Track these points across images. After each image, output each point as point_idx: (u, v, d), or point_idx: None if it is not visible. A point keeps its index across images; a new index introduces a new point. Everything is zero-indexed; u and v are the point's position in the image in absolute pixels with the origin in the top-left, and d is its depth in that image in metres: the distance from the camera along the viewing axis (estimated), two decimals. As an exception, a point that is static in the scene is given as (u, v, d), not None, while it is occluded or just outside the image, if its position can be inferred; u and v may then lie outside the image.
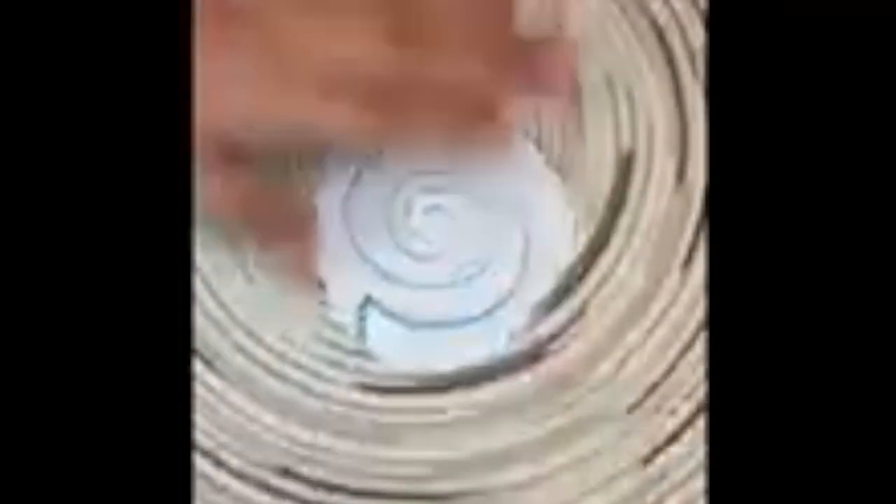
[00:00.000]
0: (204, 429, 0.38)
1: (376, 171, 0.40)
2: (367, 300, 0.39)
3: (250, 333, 0.39)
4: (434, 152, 0.38)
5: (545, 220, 0.39)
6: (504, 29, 0.36)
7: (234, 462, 0.38)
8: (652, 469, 0.38)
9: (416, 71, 0.33)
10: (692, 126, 0.41)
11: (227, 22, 0.33)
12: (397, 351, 0.39)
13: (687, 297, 0.39)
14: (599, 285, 0.39)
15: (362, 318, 0.39)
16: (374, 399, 0.38)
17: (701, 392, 0.38)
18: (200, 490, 0.38)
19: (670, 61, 0.41)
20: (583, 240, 0.40)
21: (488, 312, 0.39)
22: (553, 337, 0.39)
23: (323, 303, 0.39)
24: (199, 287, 0.39)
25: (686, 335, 0.39)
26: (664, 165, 0.40)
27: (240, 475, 0.38)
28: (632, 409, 0.38)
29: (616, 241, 0.40)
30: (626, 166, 0.40)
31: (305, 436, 0.38)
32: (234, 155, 0.35)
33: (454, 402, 0.38)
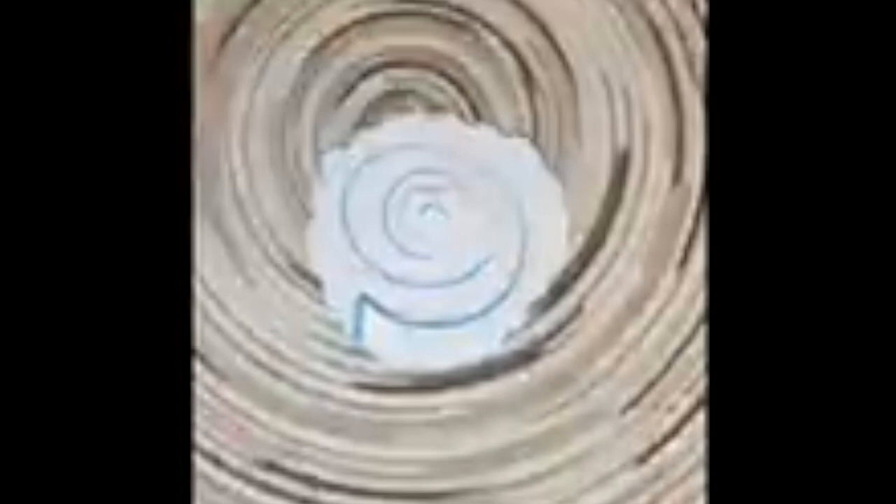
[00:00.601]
0: (204, 429, 0.38)
1: (374, 169, 0.40)
2: (364, 299, 0.39)
3: (250, 334, 0.39)
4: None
5: (541, 219, 0.40)
6: None
7: (234, 462, 0.38)
8: (650, 466, 0.38)
9: None
10: (689, 126, 0.41)
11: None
12: (393, 349, 0.39)
13: (683, 296, 0.39)
14: (595, 284, 0.39)
15: (358, 317, 0.39)
16: (370, 397, 0.38)
17: (699, 389, 0.38)
18: (200, 490, 0.38)
19: (667, 61, 0.41)
20: (579, 239, 0.40)
21: (485, 311, 0.39)
22: (549, 335, 0.39)
23: (320, 301, 0.39)
24: (198, 288, 0.39)
25: (683, 333, 0.39)
26: (660, 165, 0.40)
27: (239, 475, 0.38)
28: (629, 406, 0.38)
29: (612, 240, 0.40)
30: (622, 166, 0.40)
31: (304, 435, 0.38)
32: None
33: (450, 401, 0.38)
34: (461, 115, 0.40)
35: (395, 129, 0.40)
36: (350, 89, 0.41)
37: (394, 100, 0.40)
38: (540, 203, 0.40)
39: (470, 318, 0.39)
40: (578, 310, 0.39)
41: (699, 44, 0.41)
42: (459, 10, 0.41)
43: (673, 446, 0.38)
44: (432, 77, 0.41)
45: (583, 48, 0.41)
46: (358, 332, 0.39)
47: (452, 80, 0.41)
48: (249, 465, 0.38)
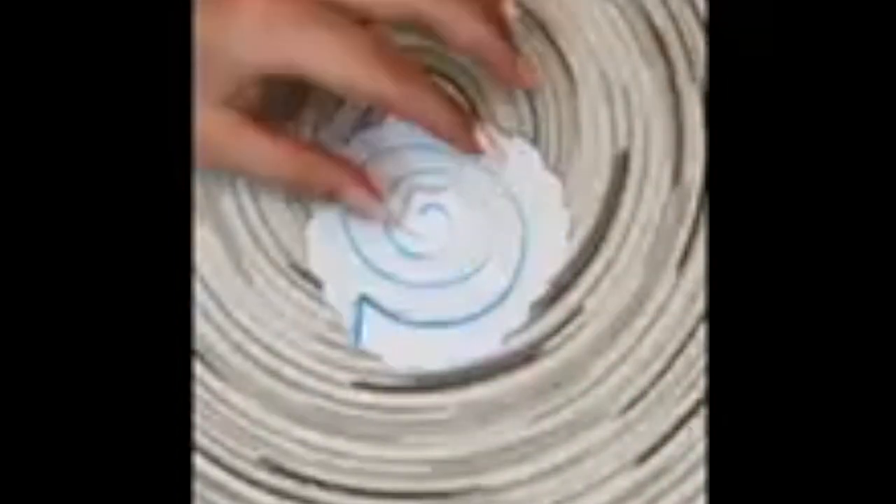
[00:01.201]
0: (203, 429, 0.38)
1: (373, 168, 0.40)
2: (364, 299, 0.39)
3: (249, 334, 0.39)
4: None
5: (541, 219, 0.40)
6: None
7: (234, 462, 0.38)
8: (651, 465, 0.38)
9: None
10: (688, 126, 0.41)
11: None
12: (394, 350, 0.39)
13: (683, 296, 0.39)
14: (596, 284, 0.39)
15: (358, 317, 0.39)
16: (370, 397, 0.38)
17: (699, 389, 0.38)
18: (200, 490, 0.38)
19: (667, 62, 0.41)
20: (579, 239, 0.40)
21: (485, 311, 0.39)
22: (550, 335, 0.39)
23: (320, 302, 0.39)
24: (198, 288, 0.39)
25: (683, 333, 0.39)
26: (660, 165, 0.40)
27: (239, 475, 0.38)
28: (629, 406, 0.38)
29: (612, 240, 0.40)
30: (622, 166, 0.40)
31: (304, 435, 0.38)
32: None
33: (450, 401, 0.38)
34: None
35: (395, 129, 0.40)
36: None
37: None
38: (540, 203, 0.40)
39: (470, 318, 0.39)
40: (578, 310, 0.39)
41: (699, 44, 0.41)
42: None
43: (673, 446, 0.38)
44: (432, 77, 0.41)
45: (583, 48, 0.41)
46: (358, 332, 0.39)
47: (452, 80, 0.41)
48: (249, 465, 0.38)
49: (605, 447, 0.38)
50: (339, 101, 0.41)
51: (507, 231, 0.39)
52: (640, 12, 0.42)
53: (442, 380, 0.39)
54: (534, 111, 0.41)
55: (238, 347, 0.39)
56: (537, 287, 0.39)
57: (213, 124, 0.34)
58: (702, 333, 0.39)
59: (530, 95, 0.41)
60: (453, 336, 0.39)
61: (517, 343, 0.39)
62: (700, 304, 0.39)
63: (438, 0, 0.34)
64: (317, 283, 0.39)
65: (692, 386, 0.39)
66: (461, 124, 0.35)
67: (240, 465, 0.38)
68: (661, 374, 0.39)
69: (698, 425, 0.38)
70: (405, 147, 0.40)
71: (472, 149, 0.36)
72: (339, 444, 0.38)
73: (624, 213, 0.40)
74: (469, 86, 0.41)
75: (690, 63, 0.41)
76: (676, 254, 0.40)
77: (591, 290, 0.39)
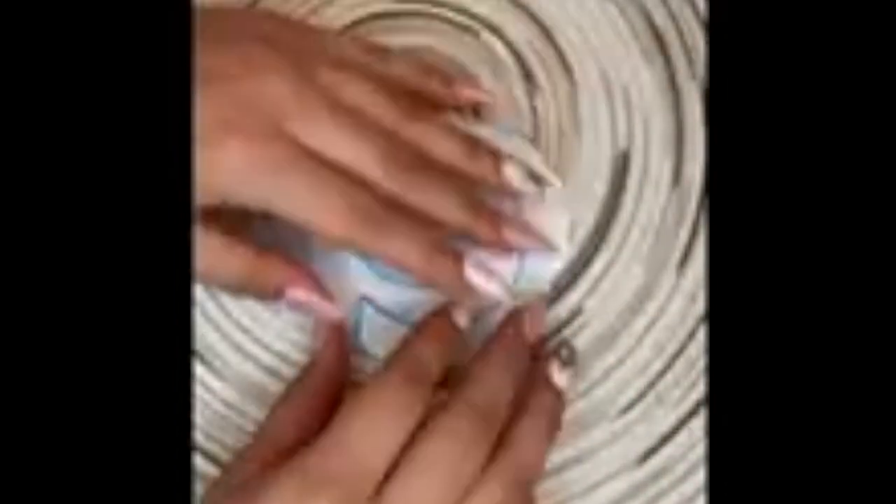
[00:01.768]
0: (204, 429, 0.38)
1: None
2: (363, 298, 0.39)
3: (249, 334, 0.39)
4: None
5: (541, 219, 0.40)
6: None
7: (234, 461, 0.38)
8: (651, 466, 0.38)
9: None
10: (688, 126, 0.41)
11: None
12: (392, 349, 0.39)
13: (683, 296, 0.39)
14: (596, 284, 0.39)
15: (359, 317, 0.39)
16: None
17: (699, 389, 0.38)
18: (200, 490, 0.38)
19: (667, 61, 0.41)
20: (579, 239, 0.40)
21: (483, 311, 0.39)
22: (550, 335, 0.39)
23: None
24: (198, 288, 0.39)
25: (683, 333, 0.39)
26: (660, 165, 0.40)
27: (239, 474, 0.38)
28: (629, 406, 0.38)
29: (612, 240, 0.40)
30: (622, 165, 0.40)
31: (304, 435, 0.38)
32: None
33: (451, 402, 0.38)
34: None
35: None
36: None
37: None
38: (539, 202, 0.40)
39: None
40: (578, 310, 0.39)
41: (699, 43, 0.41)
42: (460, 10, 0.42)
43: (673, 447, 0.38)
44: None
45: (583, 48, 0.41)
46: (357, 332, 0.39)
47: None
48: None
49: (604, 447, 0.38)
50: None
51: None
52: (640, 11, 0.42)
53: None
54: (534, 111, 0.41)
55: (238, 347, 0.39)
56: (536, 287, 0.39)
57: None
58: (702, 334, 0.39)
59: (530, 95, 0.41)
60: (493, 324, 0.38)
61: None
62: (700, 305, 0.39)
63: (371, 233, 0.34)
64: (317, 284, 0.39)
65: (692, 386, 0.39)
66: (437, 265, 0.35)
67: (240, 465, 0.38)
68: (661, 374, 0.39)
69: (698, 425, 0.38)
70: None
71: (458, 288, 0.36)
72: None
73: (624, 214, 0.40)
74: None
75: (690, 62, 0.41)
76: (676, 254, 0.40)
77: (591, 290, 0.39)
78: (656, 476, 0.38)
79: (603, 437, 0.38)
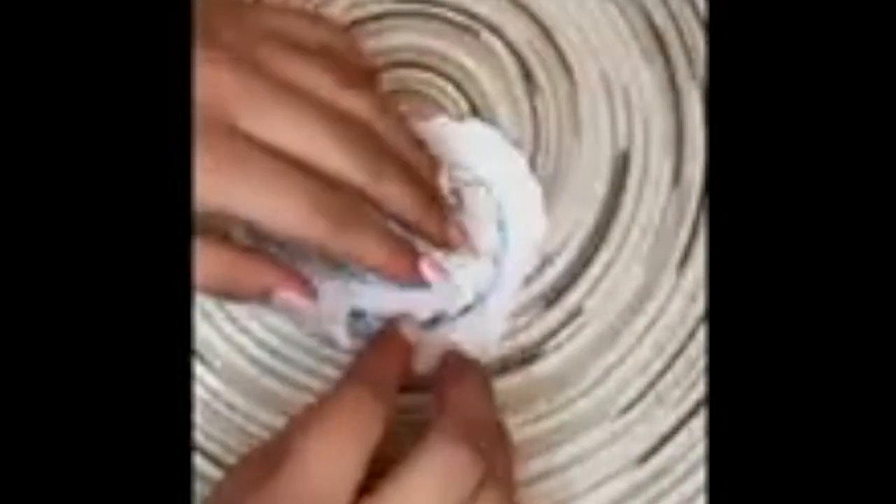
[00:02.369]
0: (204, 430, 0.38)
1: None
2: (356, 314, 0.39)
3: (249, 334, 0.39)
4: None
5: (519, 219, 0.39)
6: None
7: (234, 462, 0.38)
8: (650, 466, 0.38)
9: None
10: (688, 126, 0.41)
11: None
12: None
13: (683, 296, 0.39)
14: (595, 284, 0.39)
15: (355, 318, 0.39)
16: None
17: (699, 389, 0.39)
18: (200, 490, 0.38)
19: (667, 61, 0.41)
20: (579, 239, 0.40)
21: (474, 306, 0.39)
22: (550, 335, 0.39)
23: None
24: (198, 288, 0.39)
25: (683, 333, 0.39)
26: (660, 165, 0.40)
27: (239, 474, 0.38)
28: (629, 406, 0.38)
29: (612, 240, 0.40)
30: (622, 165, 0.40)
31: (304, 435, 0.38)
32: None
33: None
34: (460, 115, 0.40)
35: None
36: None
37: (394, 99, 0.40)
38: (522, 206, 0.40)
39: (462, 315, 0.39)
40: (578, 310, 0.39)
41: (699, 44, 0.41)
42: (460, 10, 0.42)
43: (673, 446, 0.38)
44: (432, 77, 0.41)
45: (583, 48, 0.41)
46: (356, 333, 0.39)
47: (452, 80, 0.41)
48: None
49: (605, 447, 0.38)
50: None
51: (488, 231, 0.39)
52: (640, 11, 0.42)
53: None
54: (534, 111, 0.41)
55: (238, 348, 0.39)
56: (513, 287, 0.39)
57: None
58: (702, 334, 0.39)
59: (530, 95, 0.41)
60: (447, 335, 0.39)
61: (517, 343, 0.39)
62: (700, 305, 0.39)
63: (337, 233, 0.33)
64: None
65: (692, 386, 0.39)
66: (403, 263, 0.35)
67: (240, 465, 0.38)
68: (661, 374, 0.39)
69: (698, 425, 0.38)
70: None
71: (418, 280, 0.36)
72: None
73: (624, 214, 0.40)
74: (469, 86, 0.41)
75: (690, 62, 0.41)
76: (676, 254, 0.40)
77: (591, 290, 0.39)
78: (656, 476, 0.38)
79: (603, 437, 0.38)
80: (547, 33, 0.41)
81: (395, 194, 0.34)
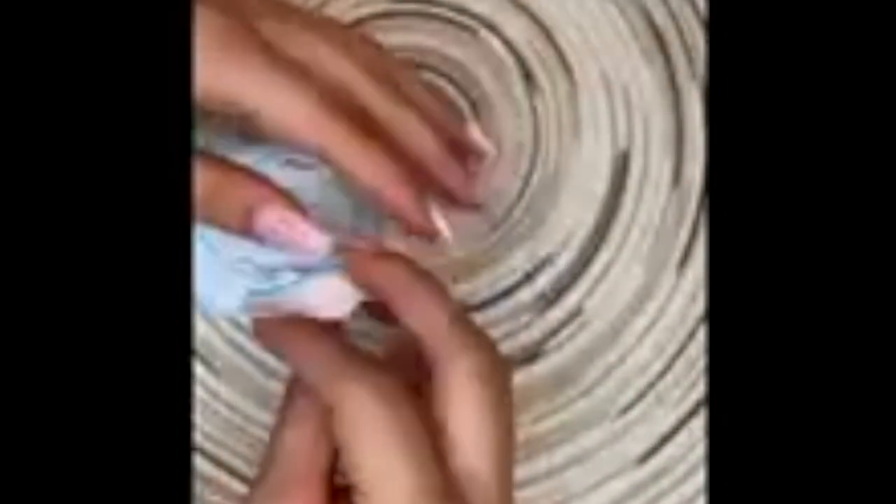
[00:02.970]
0: (204, 430, 0.38)
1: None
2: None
3: (250, 334, 0.39)
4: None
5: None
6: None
7: (234, 463, 0.38)
8: (650, 466, 0.38)
9: None
10: (689, 126, 0.41)
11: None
12: None
13: (683, 296, 0.39)
14: (595, 284, 0.39)
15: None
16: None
17: (699, 389, 0.39)
18: (200, 490, 0.38)
19: (667, 61, 0.41)
20: (579, 239, 0.40)
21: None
22: (550, 335, 0.39)
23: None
24: (198, 288, 0.39)
25: (683, 333, 0.39)
26: (660, 164, 0.40)
27: (239, 476, 0.38)
28: (629, 406, 0.39)
29: (612, 240, 0.40)
30: (622, 165, 0.40)
31: (304, 435, 0.38)
32: None
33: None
34: (460, 115, 0.40)
35: None
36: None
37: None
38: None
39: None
40: (578, 310, 0.39)
41: (699, 43, 0.41)
42: (459, 10, 0.42)
43: (673, 446, 0.38)
44: (432, 77, 0.41)
45: (583, 48, 0.41)
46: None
47: (452, 80, 0.41)
48: (249, 465, 0.38)
49: (604, 447, 0.38)
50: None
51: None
52: (640, 11, 0.42)
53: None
54: (534, 111, 0.41)
55: (238, 347, 0.39)
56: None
57: None
58: (702, 334, 0.39)
59: (530, 95, 0.41)
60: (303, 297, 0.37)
61: (517, 342, 0.39)
62: (700, 305, 0.39)
63: (346, 138, 0.31)
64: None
65: (692, 386, 0.39)
66: (408, 192, 0.32)
67: (240, 465, 0.38)
68: (661, 374, 0.39)
69: (698, 426, 0.38)
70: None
71: (420, 222, 0.32)
72: (339, 444, 0.38)
73: (624, 214, 0.40)
74: (469, 86, 0.41)
75: (690, 62, 0.41)
76: (676, 254, 0.40)
77: (591, 290, 0.39)
78: (656, 476, 0.38)
79: (603, 437, 0.38)
80: (547, 33, 0.41)
81: (417, 131, 0.33)
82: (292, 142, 0.31)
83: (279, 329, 0.32)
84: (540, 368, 0.39)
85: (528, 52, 0.41)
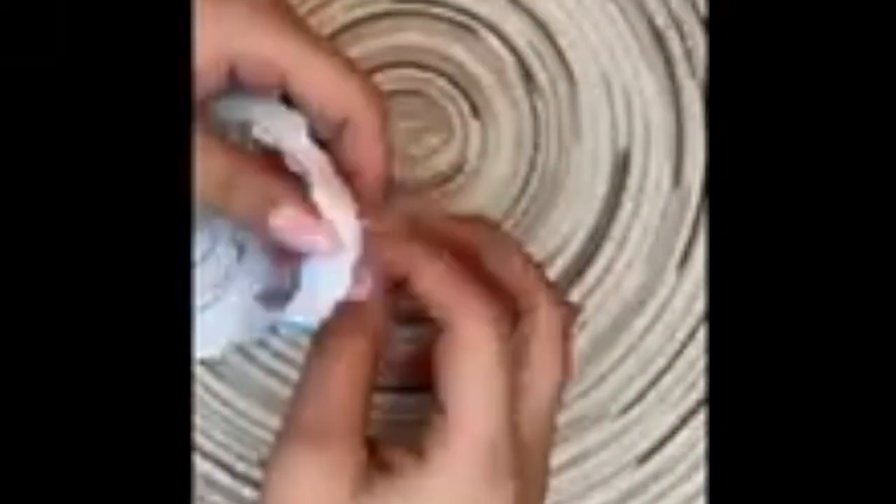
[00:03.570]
0: (204, 430, 0.38)
1: None
2: None
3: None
4: None
5: None
6: None
7: (234, 463, 0.38)
8: (651, 465, 0.38)
9: None
10: (689, 126, 0.41)
11: None
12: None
13: (683, 296, 0.39)
14: (596, 284, 0.39)
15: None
16: (374, 397, 0.38)
17: (699, 389, 0.39)
18: (200, 490, 0.38)
19: (668, 62, 0.41)
20: (579, 239, 0.40)
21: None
22: (550, 336, 0.39)
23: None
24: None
25: (683, 333, 0.39)
26: (660, 165, 0.40)
27: (239, 476, 0.38)
28: (630, 406, 0.39)
29: (612, 239, 0.40)
30: (622, 166, 0.40)
31: (305, 435, 0.38)
32: None
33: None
34: (461, 115, 0.40)
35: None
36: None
37: (394, 99, 0.40)
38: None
39: None
40: (578, 310, 0.39)
41: (699, 44, 0.41)
42: (459, 10, 0.42)
43: (673, 446, 0.38)
44: (432, 77, 0.41)
45: (583, 48, 0.41)
46: None
47: (452, 80, 0.41)
48: (249, 465, 0.38)
49: (605, 447, 0.38)
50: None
51: None
52: (640, 12, 0.42)
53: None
54: (534, 111, 0.41)
55: (238, 348, 0.39)
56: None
57: None
58: (702, 334, 0.39)
59: (530, 95, 0.41)
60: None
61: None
62: (700, 305, 0.39)
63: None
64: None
65: (692, 386, 0.39)
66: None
67: (240, 465, 0.38)
68: (661, 374, 0.39)
69: (698, 425, 0.38)
70: None
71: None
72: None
73: (624, 214, 0.40)
74: (469, 86, 0.41)
75: (691, 62, 0.41)
76: (676, 254, 0.40)
77: (592, 290, 0.39)
78: (656, 476, 0.38)
79: (603, 437, 0.38)
80: (547, 33, 0.41)
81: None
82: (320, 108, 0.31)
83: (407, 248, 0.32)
84: (540, 368, 0.39)
85: (528, 52, 0.41)
